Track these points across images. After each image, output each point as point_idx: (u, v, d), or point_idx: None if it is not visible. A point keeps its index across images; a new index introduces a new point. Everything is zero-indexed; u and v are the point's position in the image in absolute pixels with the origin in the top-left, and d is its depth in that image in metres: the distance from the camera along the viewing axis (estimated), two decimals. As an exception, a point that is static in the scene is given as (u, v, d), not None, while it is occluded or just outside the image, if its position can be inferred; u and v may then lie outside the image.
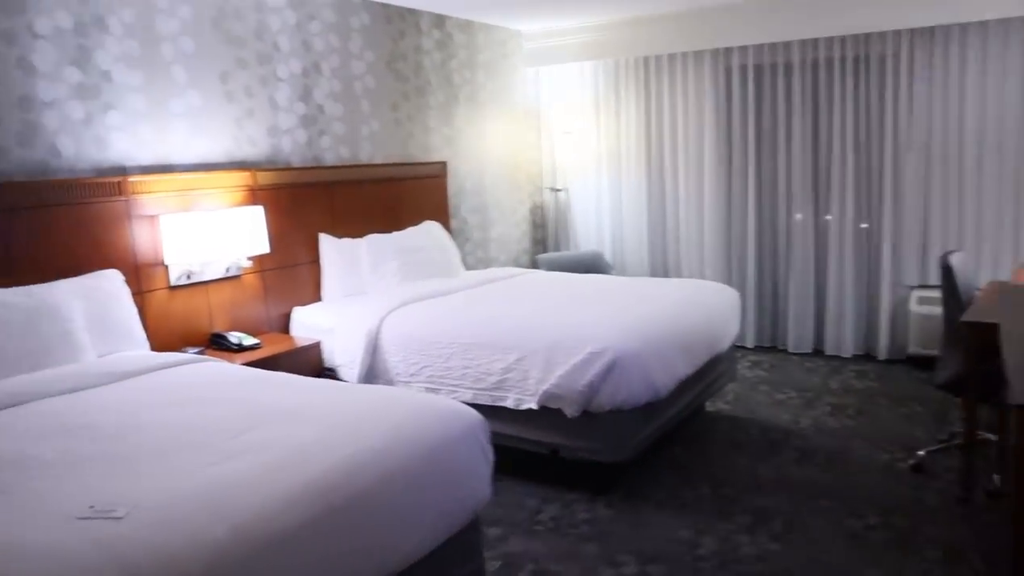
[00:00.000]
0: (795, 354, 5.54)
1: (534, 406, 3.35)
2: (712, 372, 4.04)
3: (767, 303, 5.73)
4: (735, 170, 5.72)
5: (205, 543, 1.62)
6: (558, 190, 6.51)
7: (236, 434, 2.18)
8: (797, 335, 5.58)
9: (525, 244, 6.48)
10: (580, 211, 6.49)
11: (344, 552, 1.91)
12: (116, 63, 3.52)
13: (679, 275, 6.03)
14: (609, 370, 3.20)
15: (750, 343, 5.71)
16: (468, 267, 5.62)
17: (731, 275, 5.79)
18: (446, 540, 2.31)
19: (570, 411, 3.27)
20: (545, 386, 3.32)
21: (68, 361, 2.93)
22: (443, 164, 5.42)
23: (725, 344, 4.09)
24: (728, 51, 5.64)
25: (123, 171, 3.56)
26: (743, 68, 5.62)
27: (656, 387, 3.32)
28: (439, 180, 5.39)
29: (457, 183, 5.67)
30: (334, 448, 2.08)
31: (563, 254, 6.03)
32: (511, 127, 6.24)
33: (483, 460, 2.46)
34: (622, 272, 6.17)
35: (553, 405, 3.32)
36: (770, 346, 5.71)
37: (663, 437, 3.64)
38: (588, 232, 6.46)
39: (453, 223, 5.59)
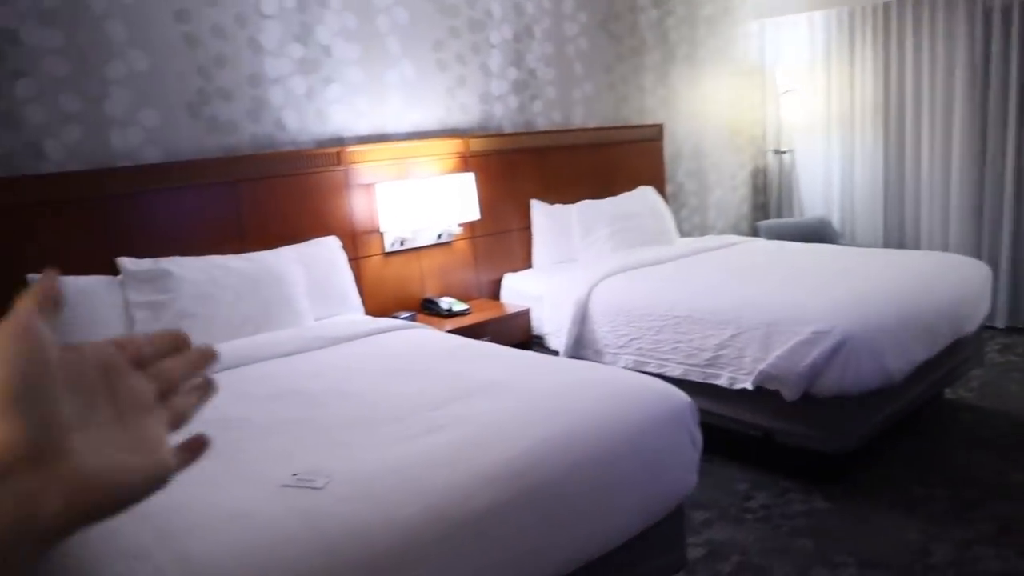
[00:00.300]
0: (1057, 337, 4.88)
1: (749, 386, 3.14)
2: (955, 356, 3.61)
3: (1024, 278, 5.06)
4: (991, 129, 5.03)
5: (398, 520, 1.62)
6: (782, 152, 6.09)
7: (437, 406, 2.18)
8: (1060, 315, 4.89)
9: (745, 210, 6.14)
10: (806, 174, 6.03)
11: (537, 536, 1.85)
12: (335, 37, 3.64)
13: (918, 246, 5.45)
14: (835, 352, 2.93)
15: (1001, 323, 5.05)
16: (684, 234, 5.40)
17: (981, 247, 5.14)
18: (648, 527, 2.20)
19: (789, 394, 3.04)
20: (762, 365, 3.10)
21: (288, 325, 3.09)
22: (659, 127, 5.21)
23: (972, 326, 3.63)
24: (988, -8, 4.96)
25: (341, 142, 3.70)
26: (1006, 10, 4.92)
27: (888, 372, 3.00)
28: (655, 144, 5.19)
29: (674, 146, 5.45)
30: (533, 427, 2.02)
31: (786, 221, 5.65)
32: (732, 86, 5.90)
33: (690, 446, 2.31)
34: (851, 242, 5.68)
35: (770, 386, 3.09)
36: (1026, 327, 5.05)
37: (894, 427, 3.30)
38: (814, 197, 6.00)
39: (668, 188, 5.38)
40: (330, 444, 1.96)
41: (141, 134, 3.15)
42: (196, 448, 0.49)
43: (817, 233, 5.41)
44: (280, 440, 2.01)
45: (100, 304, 2.87)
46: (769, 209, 6.26)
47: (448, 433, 1.98)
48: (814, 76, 5.84)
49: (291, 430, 2.07)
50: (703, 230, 5.73)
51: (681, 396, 2.32)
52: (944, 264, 3.75)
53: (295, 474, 1.75)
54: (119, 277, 2.94)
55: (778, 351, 3.05)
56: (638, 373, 2.46)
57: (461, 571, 1.68)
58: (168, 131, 3.21)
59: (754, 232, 5.89)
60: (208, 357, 0.53)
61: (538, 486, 1.87)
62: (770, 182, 6.24)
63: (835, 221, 5.83)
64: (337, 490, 1.69)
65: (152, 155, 3.18)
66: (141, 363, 0.49)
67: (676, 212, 5.44)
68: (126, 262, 2.95)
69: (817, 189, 5.98)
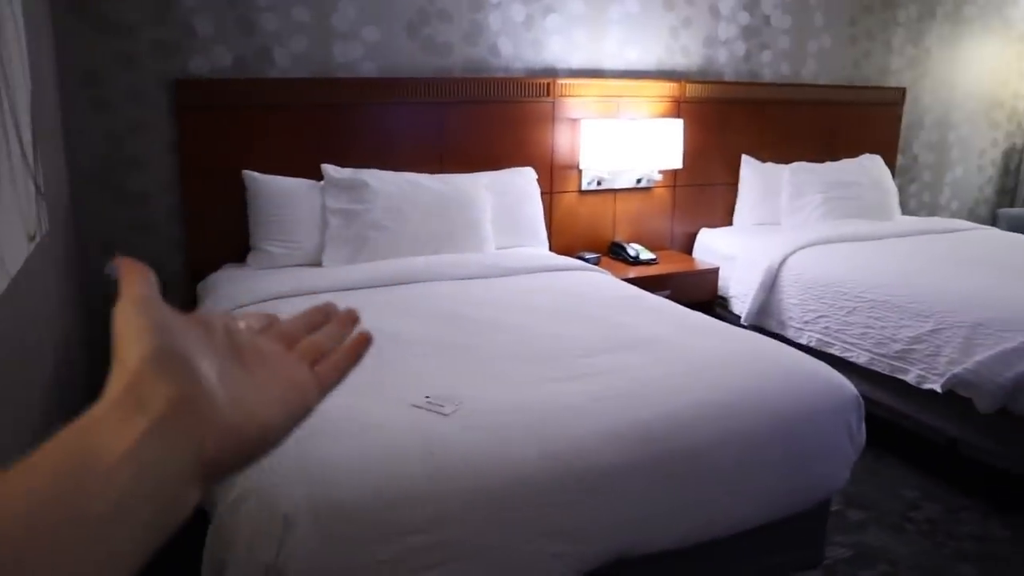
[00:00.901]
0: None
1: (938, 388, 2.87)
2: None
3: None
4: None
5: (514, 461, 1.64)
6: (1046, 134, 5.40)
7: (588, 354, 2.17)
8: None
9: (987, 193, 5.53)
10: (1071, 162, 5.33)
11: (663, 504, 1.81)
12: (562, -34, 3.59)
13: None
14: (1047, 368, 2.61)
15: None
16: (909, 212, 4.97)
17: None
18: (784, 517, 2.09)
19: (983, 404, 2.75)
20: (958, 368, 2.82)
21: (471, 249, 3.17)
22: (901, 91, 4.76)
23: None
24: None
25: (554, 73, 3.68)
26: None
27: (1109, 400, 2.65)
28: (893, 108, 4.76)
29: (915, 114, 4.97)
30: (678, 392, 1.97)
31: (1035, 212, 5.04)
32: (999, 53, 5.25)
33: (848, 444, 2.16)
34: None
35: (962, 392, 2.82)
36: None
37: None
38: (1076, 189, 5.30)
39: (900, 160, 4.94)
40: (472, 373, 2.00)
41: (361, 49, 3.29)
42: (359, 347, 0.53)
43: (1070, 230, 4.79)
44: (427, 361, 2.08)
45: (302, 205, 3.08)
46: (1017, 196, 5.60)
47: (589, 383, 1.97)
48: (1102, 51, 5.08)
49: (440, 353, 2.14)
50: (932, 210, 5.24)
51: (847, 388, 2.16)
52: None
53: (427, 397, 1.81)
54: (322, 182, 3.13)
55: (979, 356, 2.76)
56: (806, 355, 2.31)
57: (575, 523, 1.69)
58: (386, 48, 3.34)
59: (993, 220, 5.31)
60: (353, 319, 0.56)
61: (670, 453, 1.82)
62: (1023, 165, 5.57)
63: (1096, 219, 5.13)
64: (463, 419, 1.73)
65: (368, 70, 3.32)
66: (288, 341, 0.53)
67: (904, 187, 5.00)
68: (329, 169, 3.13)
69: (1081, 180, 5.27)
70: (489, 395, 1.86)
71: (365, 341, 0.53)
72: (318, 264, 3.05)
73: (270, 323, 0.54)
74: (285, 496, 1.48)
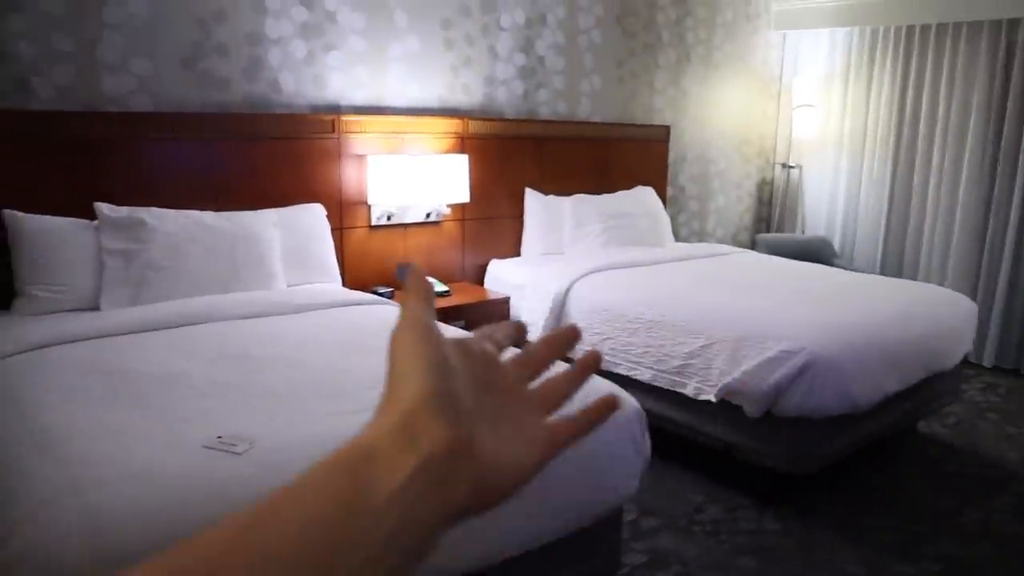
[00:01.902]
0: (1043, 381, 4.82)
1: (712, 398, 3.11)
2: (930, 390, 3.56)
3: (1017, 319, 4.96)
4: (1003, 167, 4.92)
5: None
6: (790, 167, 6.03)
7: (375, 386, 2.12)
8: (1049, 360, 4.83)
9: (747, 221, 6.09)
10: (812, 191, 5.97)
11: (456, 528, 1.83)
12: (341, 5, 3.61)
13: (915, 275, 5.39)
14: (801, 373, 2.89)
15: (988, 362, 4.99)
16: (680, 239, 5.37)
17: (978, 282, 5.07)
18: (580, 529, 2.18)
19: (751, 410, 3.01)
20: (728, 379, 3.07)
21: (259, 287, 3.07)
22: (666, 128, 5.16)
23: (948, 363, 3.58)
24: (1014, 23, 4.86)
25: (337, 110, 3.67)
26: (1028, 47, 4.84)
27: (854, 399, 2.97)
28: (659, 144, 5.14)
29: (679, 149, 5.40)
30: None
31: (787, 236, 5.60)
32: (746, 95, 5.83)
33: (634, 454, 2.28)
34: (849, 264, 5.62)
35: (734, 401, 3.06)
36: (1012, 368, 4.96)
37: (856, 453, 3.27)
38: (818, 215, 5.94)
39: (669, 191, 5.34)
40: (263, 412, 1.94)
41: (133, 82, 3.13)
42: (603, 409, 0.51)
43: (816, 252, 5.36)
44: (215, 402, 1.99)
45: (72, 246, 2.87)
46: (771, 223, 6.21)
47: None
48: (830, 92, 5.77)
49: (229, 394, 2.06)
50: (701, 236, 5.69)
51: (630, 402, 2.29)
52: (929, 297, 3.70)
53: (219, 437, 1.73)
54: (95, 222, 2.93)
55: (745, 366, 3.02)
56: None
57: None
58: (160, 81, 3.19)
59: (752, 244, 5.85)
60: (573, 337, 0.54)
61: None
62: (775, 195, 6.18)
63: (836, 242, 5.78)
64: (256, 457, 1.67)
65: (142, 104, 3.16)
66: (534, 367, 0.52)
67: (674, 216, 5.40)
68: (103, 207, 2.94)
69: (821, 207, 5.92)
70: (281, 432, 1.81)
71: (611, 404, 0.51)
72: (95, 308, 2.84)
73: (518, 335, 0.53)
74: (67, 555, 1.36)
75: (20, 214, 2.84)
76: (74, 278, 2.86)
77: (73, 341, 2.46)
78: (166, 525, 1.46)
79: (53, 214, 2.89)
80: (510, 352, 0.53)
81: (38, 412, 1.93)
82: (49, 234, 2.86)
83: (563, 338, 0.54)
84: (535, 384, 0.52)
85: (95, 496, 1.51)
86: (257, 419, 1.88)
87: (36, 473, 1.61)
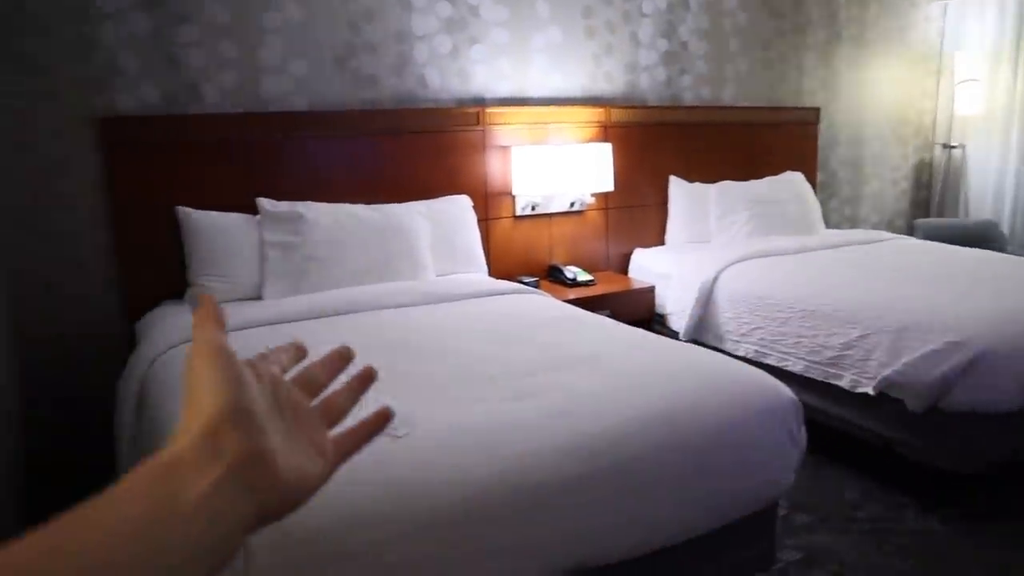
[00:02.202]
0: None
1: (871, 391, 2.97)
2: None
3: None
4: None
5: (468, 479, 1.64)
6: (952, 147, 5.67)
7: (532, 373, 2.18)
8: None
9: (903, 205, 5.77)
10: (976, 172, 5.59)
11: (613, 514, 1.82)
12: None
13: (1097, 260, 4.96)
14: (970, 365, 2.72)
15: None
16: (831, 225, 5.15)
17: None
18: (734, 521, 2.13)
19: (914, 404, 2.85)
20: (888, 371, 2.92)
21: (409, 277, 3.17)
22: (816, 110, 4.96)
23: None
24: None
25: (481, 102, 3.73)
26: None
27: (1031, 394, 2.77)
28: (809, 128, 4.95)
29: (830, 132, 5.17)
30: (622, 406, 1.99)
31: (948, 221, 5.28)
32: (902, 72, 5.52)
33: (790, 446, 2.21)
34: (1020, 249, 5.24)
35: (894, 394, 2.92)
36: None
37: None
38: (983, 198, 5.56)
39: (820, 176, 5.13)
40: (420, 397, 2.00)
41: (290, 83, 3.29)
42: (379, 421, 0.58)
43: (981, 237, 5.02)
44: (376, 387, 2.07)
45: (239, 239, 3.05)
46: (931, 207, 5.86)
47: (535, 401, 1.98)
48: (998, 65, 5.38)
49: (389, 379, 2.11)
50: (854, 223, 5.44)
51: (786, 393, 2.22)
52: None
53: (379, 422, 1.80)
54: (258, 216, 3.10)
55: (906, 358, 2.86)
56: (744, 363, 2.37)
57: (529, 538, 1.69)
58: (316, 81, 3.34)
59: (910, 230, 5.54)
60: (347, 356, 0.61)
61: (618, 465, 1.84)
62: (935, 178, 5.83)
63: (1004, 226, 5.39)
64: (415, 440, 1.73)
65: (299, 103, 3.32)
66: (312, 389, 0.57)
67: (825, 202, 5.19)
68: (265, 203, 3.11)
69: (988, 189, 5.54)
70: (438, 417, 1.86)
71: (385, 416, 0.57)
72: (258, 298, 3.01)
73: (298, 356, 0.58)
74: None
75: (191, 211, 3.05)
76: (239, 269, 3.04)
77: (241, 329, 2.62)
78: (332, 502, 1.52)
79: (220, 210, 3.08)
80: (294, 372, 0.56)
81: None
82: (217, 229, 3.05)
83: (337, 357, 0.59)
84: (317, 401, 0.55)
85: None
86: (415, 404, 1.94)
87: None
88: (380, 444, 1.68)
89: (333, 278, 3.05)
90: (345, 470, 1.68)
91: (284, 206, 3.11)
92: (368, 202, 3.29)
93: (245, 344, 2.50)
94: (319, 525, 1.48)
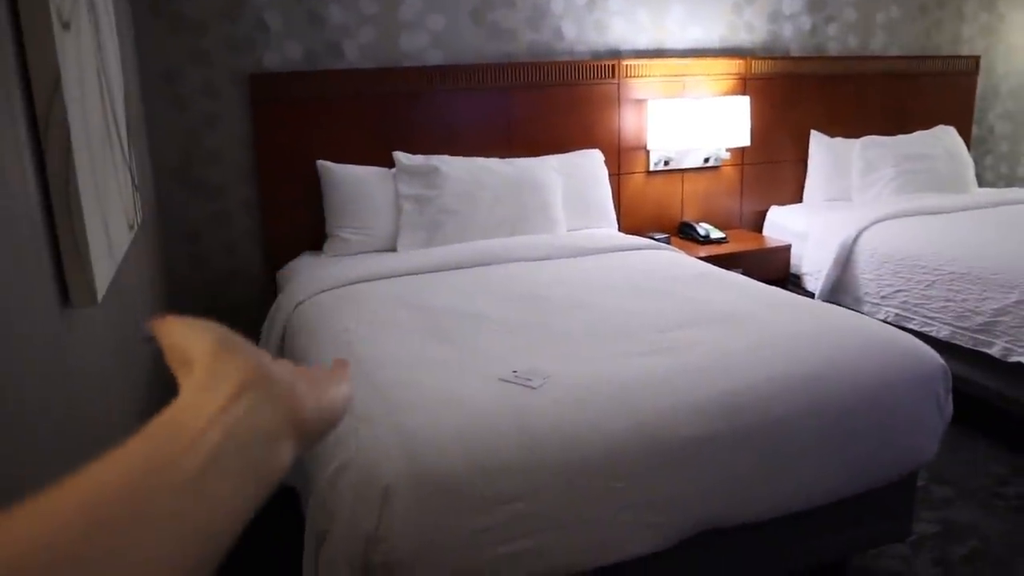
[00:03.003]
0: None
1: (1025, 361, 2.81)
2: None
3: None
4: None
5: (603, 431, 1.66)
6: None
7: (667, 329, 2.17)
8: None
9: (1069, 163, 5.34)
10: None
11: (748, 474, 1.81)
12: (622, -53, 3.58)
13: None
14: None
15: None
16: (986, 184, 4.83)
17: None
18: (872, 489, 2.07)
19: (1073, 377, 2.68)
20: (1045, 340, 2.75)
21: (542, 231, 3.19)
22: (975, 59, 4.63)
23: None
24: None
25: (618, 55, 3.67)
26: None
27: None
28: (967, 78, 4.63)
29: (990, 84, 4.83)
30: (759, 365, 1.96)
31: (1119, 180, 4.86)
32: (1077, 16, 5.06)
33: (936, 415, 2.12)
34: None
35: (1052, 365, 2.75)
36: None
37: None
38: None
39: (975, 130, 4.81)
40: (555, 350, 2.02)
41: (427, 37, 3.33)
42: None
43: None
44: (511, 339, 2.11)
45: (375, 192, 3.14)
46: (1100, 165, 5.39)
47: (671, 357, 1.97)
48: None
49: (524, 331, 2.17)
50: (1010, 181, 5.08)
51: (934, 358, 2.13)
52: None
53: (515, 371, 1.84)
54: (394, 169, 3.18)
55: (1069, 327, 2.68)
56: (888, 326, 2.28)
57: (662, 494, 1.70)
58: (452, 36, 3.37)
59: (1076, 189, 5.12)
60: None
61: (757, 425, 1.82)
62: (1107, 133, 5.35)
63: None
64: (551, 392, 1.76)
65: (435, 58, 3.36)
66: None
67: (980, 159, 4.86)
68: (401, 156, 3.18)
69: None
70: (573, 370, 1.88)
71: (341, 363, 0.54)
72: (392, 249, 3.11)
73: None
74: (384, 467, 1.52)
75: (331, 164, 3.15)
76: (376, 221, 3.13)
77: (378, 279, 2.71)
78: (470, 449, 1.58)
79: (358, 164, 3.17)
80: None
81: (352, 340, 2.15)
82: (354, 182, 3.14)
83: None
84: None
85: (408, 418, 1.66)
86: (549, 356, 1.97)
87: (355, 394, 1.79)
88: (516, 395, 1.73)
89: (467, 231, 3.10)
90: (484, 419, 1.73)
91: (419, 159, 3.18)
92: (502, 156, 3.31)
93: (380, 292, 2.59)
94: (456, 471, 1.53)
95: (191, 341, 0.44)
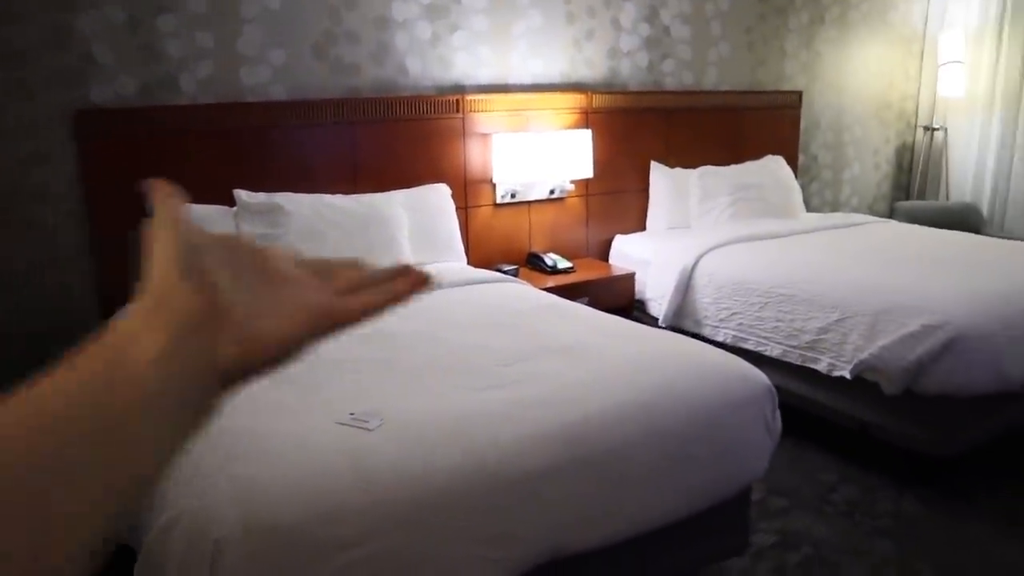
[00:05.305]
0: None
1: (847, 375, 3.00)
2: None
3: None
4: None
5: (441, 468, 1.66)
6: (934, 129, 5.68)
7: (509, 362, 2.20)
8: None
9: (884, 189, 5.80)
10: (958, 155, 5.62)
11: (591, 503, 1.85)
12: (462, -15, 3.65)
13: (1075, 242, 5.00)
14: (945, 348, 2.75)
15: None
16: (812, 209, 5.16)
17: None
18: (709, 507, 2.16)
19: (889, 388, 2.88)
20: (864, 355, 2.95)
21: (384, 267, 3.17)
22: (797, 94, 4.97)
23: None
24: None
25: (462, 89, 3.72)
26: None
27: (1007, 376, 2.80)
28: (791, 112, 4.96)
29: (811, 116, 5.18)
30: (598, 394, 2.01)
31: (928, 203, 5.32)
32: (885, 54, 5.52)
33: (764, 433, 2.24)
34: (999, 232, 5.27)
35: (870, 377, 2.95)
36: None
37: (1010, 435, 3.08)
38: (964, 181, 5.59)
39: (800, 160, 5.14)
40: (397, 387, 2.02)
41: (268, 72, 3.28)
42: (412, 288, 0.50)
43: (961, 220, 5.05)
44: (355, 377, 2.09)
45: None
46: (912, 190, 5.88)
47: (512, 391, 2.00)
48: (981, 47, 5.39)
49: (366, 369, 2.15)
50: (835, 207, 5.46)
51: (760, 379, 2.25)
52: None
53: (352, 414, 1.81)
54: (235, 208, 3.09)
55: (883, 341, 2.89)
56: (721, 350, 2.39)
57: (503, 527, 1.71)
58: (294, 70, 3.32)
59: (891, 213, 5.56)
60: (423, 280, 0.52)
61: (595, 454, 1.86)
62: (916, 161, 5.85)
63: (983, 208, 5.43)
64: (388, 432, 1.74)
65: (277, 92, 3.30)
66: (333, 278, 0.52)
67: (806, 186, 5.20)
68: (242, 194, 3.10)
69: (968, 172, 5.57)
70: (414, 407, 1.88)
71: (423, 281, 0.50)
72: (235, 291, 3.01)
73: (326, 267, 0.53)
74: (215, 519, 1.47)
75: (169, 202, 3.03)
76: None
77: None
78: (305, 495, 1.55)
79: (199, 203, 3.06)
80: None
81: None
82: (193, 222, 3.03)
83: (404, 269, 0.51)
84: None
85: (241, 467, 1.61)
86: (391, 394, 1.96)
87: (192, 450, 1.72)
88: (351, 436, 1.70)
89: (313, 268, 3.05)
90: (319, 464, 1.68)
91: (262, 197, 3.11)
92: (347, 192, 3.29)
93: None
94: (290, 518, 1.50)
95: (159, 258, 0.45)
